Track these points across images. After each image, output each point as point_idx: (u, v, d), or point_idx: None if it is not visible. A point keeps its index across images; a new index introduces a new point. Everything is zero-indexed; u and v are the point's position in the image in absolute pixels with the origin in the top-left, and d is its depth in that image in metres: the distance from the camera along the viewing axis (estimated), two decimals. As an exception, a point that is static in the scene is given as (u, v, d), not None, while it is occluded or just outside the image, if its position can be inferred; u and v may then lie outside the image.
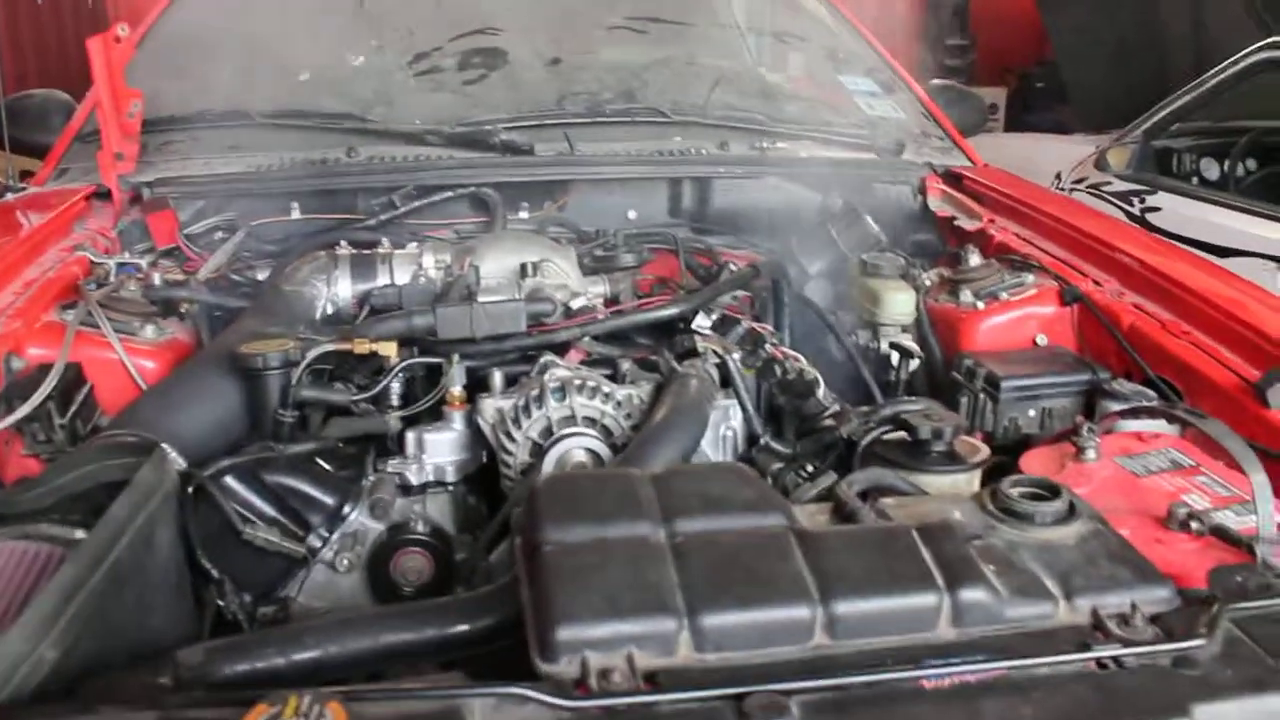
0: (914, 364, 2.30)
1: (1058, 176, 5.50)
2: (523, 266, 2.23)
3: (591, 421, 1.87)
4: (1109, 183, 5.19)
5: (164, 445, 1.60)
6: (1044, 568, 1.37)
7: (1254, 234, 4.30)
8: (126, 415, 1.85)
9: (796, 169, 2.85)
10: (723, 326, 2.25)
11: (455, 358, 1.96)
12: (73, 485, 1.52)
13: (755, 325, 2.26)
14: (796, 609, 1.26)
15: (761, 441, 1.93)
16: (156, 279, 2.27)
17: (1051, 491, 1.48)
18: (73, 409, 1.92)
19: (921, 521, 1.44)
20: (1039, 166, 5.26)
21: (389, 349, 1.95)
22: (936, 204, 2.88)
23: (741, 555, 1.33)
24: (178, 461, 1.74)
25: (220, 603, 1.70)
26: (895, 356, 2.33)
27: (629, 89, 3.03)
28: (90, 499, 1.51)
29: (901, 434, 1.82)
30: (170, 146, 2.79)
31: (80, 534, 1.47)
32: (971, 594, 1.30)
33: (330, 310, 2.24)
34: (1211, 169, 5.28)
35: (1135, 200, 4.98)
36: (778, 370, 2.05)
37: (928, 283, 2.53)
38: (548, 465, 1.82)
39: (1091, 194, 5.17)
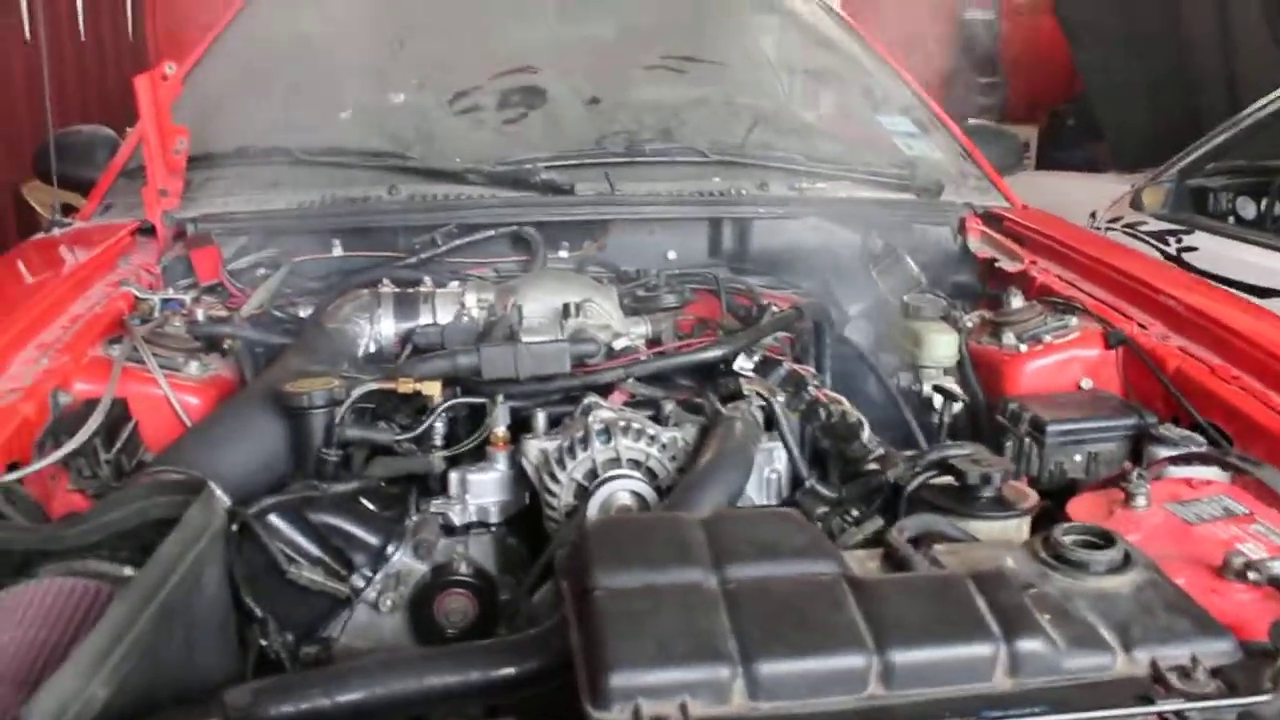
0: (957, 407, 2.28)
1: (1092, 215, 5.48)
2: (565, 307, 2.24)
3: (636, 464, 1.87)
4: (1144, 222, 5.17)
5: (211, 483, 1.60)
6: (1100, 618, 1.35)
7: (1294, 274, 4.28)
8: (171, 452, 1.86)
9: (836, 209, 2.84)
10: (764, 368, 2.24)
11: (499, 398, 1.96)
12: (120, 522, 1.52)
13: (797, 367, 2.26)
14: (852, 658, 1.25)
15: (806, 485, 1.92)
16: (200, 315, 2.29)
17: (1105, 539, 1.47)
18: (118, 445, 1.93)
19: (975, 569, 1.43)
20: (1073, 205, 5.24)
21: (433, 389, 1.95)
22: (976, 245, 2.87)
23: (795, 602, 1.32)
24: (223, 499, 1.75)
25: (263, 642, 1.70)
26: (938, 399, 2.31)
27: (667, 128, 3.05)
28: (138, 536, 1.52)
29: (948, 479, 1.81)
30: (213, 183, 2.81)
31: (129, 571, 1.48)
32: (1028, 644, 1.28)
33: (373, 349, 2.25)
34: (1248, 208, 5.24)
35: (1171, 240, 4.96)
36: (821, 413, 2.04)
37: (969, 325, 2.52)
38: (593, 508, 1.82)
39: (1127, 233, 5.15)
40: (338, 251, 2.60)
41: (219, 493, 1.73)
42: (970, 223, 2.92)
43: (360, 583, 1.80)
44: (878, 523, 1.83)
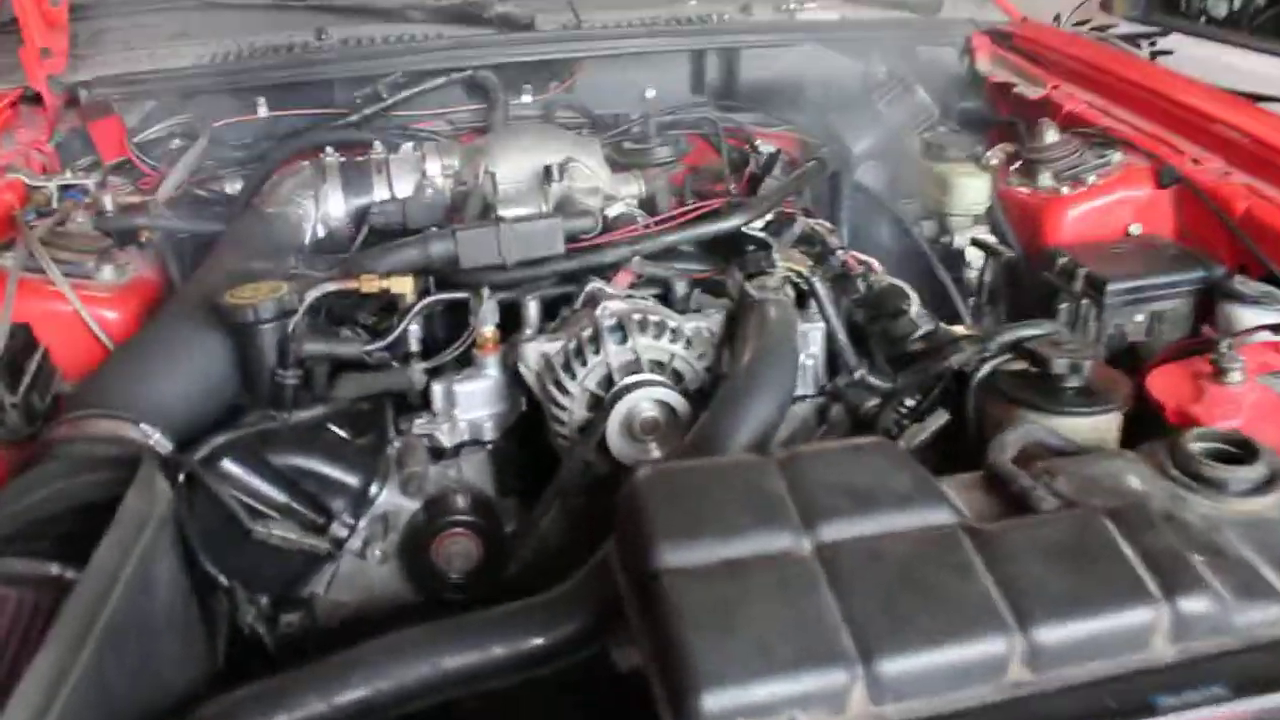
0: (995, 263, 1.98)
1: (1056, 19, 5.10)
2: (546, 169, 1.87)
3: (659, 365, 1.56)
4: (1114, 25, 4.80)
5: (149, 452, 1.26)
6: (1257, 553, 1.10)
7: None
8: (93, 386, 1.51)
9: (830, 34, 2.47)
10: (776, 227, 1.92)
11: (485, 291, 1.61)
12: (36, 508, 1.19)
13: (815, 224, 1.93)
14: (990, 641, 0.99)
15: (855, 375, 1.62)
16: (108, 203, 1.89)
17: (1243, 448, 1.21)
18: (25, 381, 1.57)
19: (1101, 498, 1.16)
20: (1039, 6, 4.85)
21: (404, 285, 1.60)
22: (987, 67, 2.52)
23: (911, 571, 1.04)
24: (162, 443, 1.42)
25: (236, 617, 1.40)
26: (974, 254, 2.02)
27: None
28: (59, 523, 1.19)
29: (1022, 364, 1.53)
30: (106, 36, 2.35)
31: (55, 569, 1.15)
32: (1193, 603, 1.03)
33: (321, 232, 1.87)
34: (1219, 6, 4.89)
35: (1144, 44, 4.61)
36: (859, 284, 1.73)
37: (993, 162, 2.21)
38: (613, 423, 1.51)
39: (1096, 38, 4.79)
40: (264, 112, 2.18)
41: (156, 436, 1.40)
42: (977, 41, 2.56)
43: (342, 532, 1.49)
44: (942, 417, 1.55)
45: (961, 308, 1.92)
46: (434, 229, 1.69)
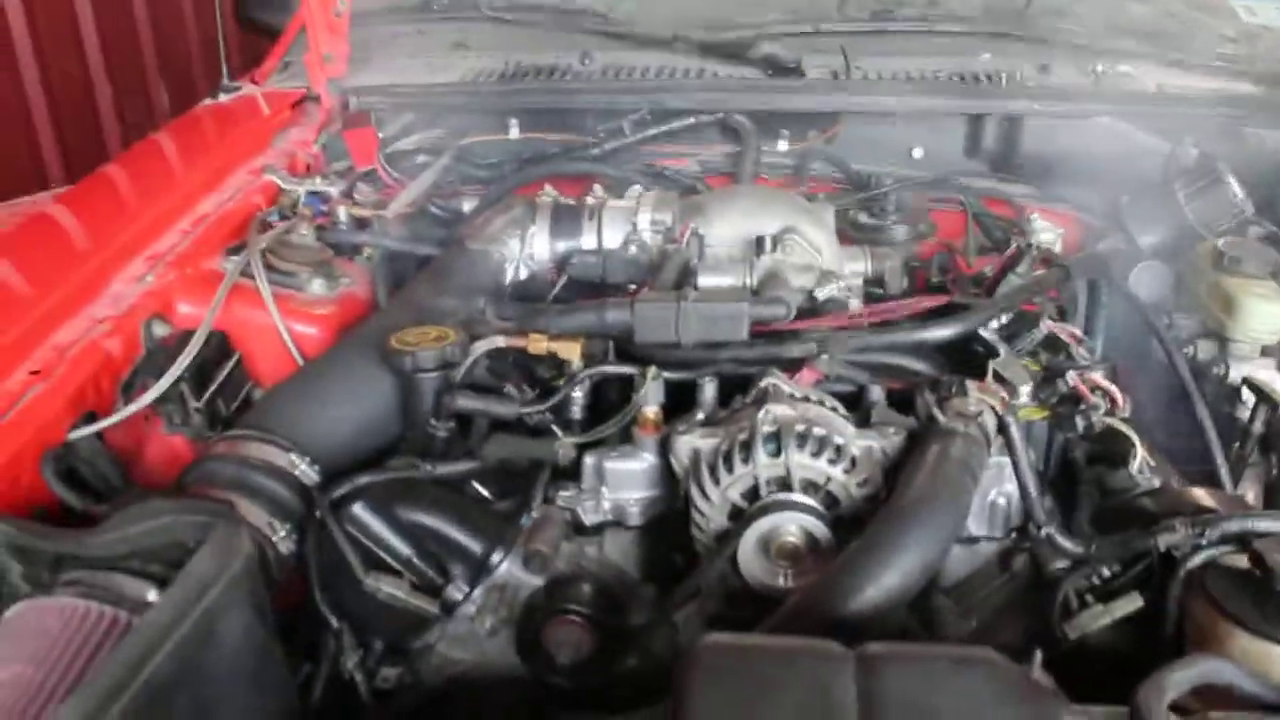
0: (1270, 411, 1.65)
1: None
2: (759, 241, 1.73)
3: (813, 486, 1.40)
4: None
5: (237, 512, 1.27)
6: None
7: None
8: (261, 408, 1.55)
9: (1139, 106, 2.15)
10: (1015, 326, 1.69)
11: (651, 369, 1.51)
12: (148, 536, 1.21)
13: (1059, 329, 1.68)
14: None
15: (1042, 533, 1.39)
16: (342, 214, 1.94)
17: None
18: (212, 388, 1.63)
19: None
20: None
21: (571, 350, 1.53)
22: (1337, 162, 2.11)
23: None
24: (308, 474, 1.43)
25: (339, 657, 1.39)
26: (1248, 395, 1.69)
27: (930, -12, 2.40)
28: (167, 554, 1.21)
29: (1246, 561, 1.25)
30: (395, 42, 2.42)
31: (152, 595, 1.17)
32: None
33: (524, 273, 1.83)
34: None
35: None
36: (1080, 422, 1.48)
37: (1308, 285, 1.85)
38: (748, 542, 1.37)
39: None
40: (515, 134, 2.17)
41: (303, 466, 1.42)
42: (1330, 126, 2.16)
43: (456, 596, 1.44)
44: (1134, 603, 1.30)
45: (1219, 460, 1.61)
46: (613, 298, 1.59)
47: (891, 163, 2.16)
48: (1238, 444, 1.68)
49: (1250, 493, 1.67)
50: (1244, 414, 1.74)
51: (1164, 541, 1.29)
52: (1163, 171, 2.07)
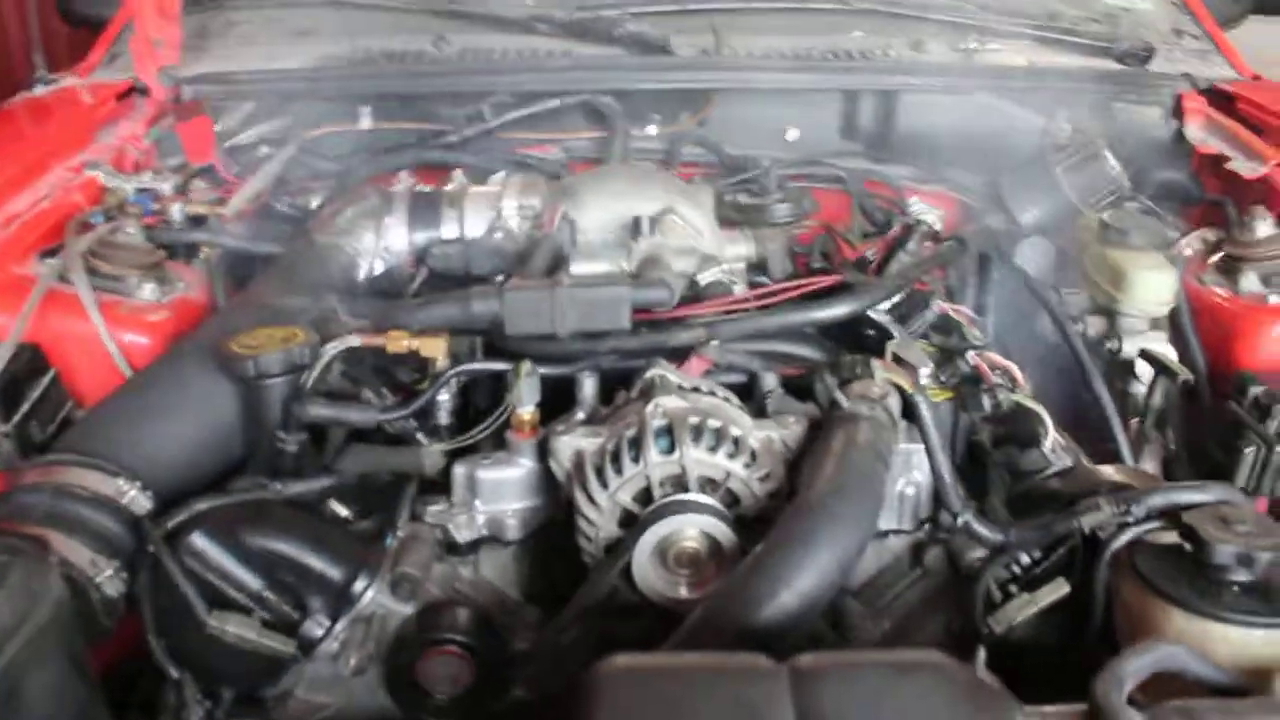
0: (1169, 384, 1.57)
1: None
2: (636, 221, 1.57)
3: (711, 484, 1.24)
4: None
5: (52, 551, 1.05)
6: None
7: None
8: (82, 429, 1.33)
9: (1012, 81, 2.07)
10: (906, 308, 1.57)
11: (525, 364, 1.33)
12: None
13: (951, 309, 1.57)
14: None
15: (959, 521, 1.26)
16: (175, 212, 1.71)
17: None
18: (24, 408, 1.39)
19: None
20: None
21: (435, 348, 1.34)
22: (1198, 134, 2.06)
23: None
24: (139, 501, 1.22)
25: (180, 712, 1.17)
26: (1144, 368, 1.61)
27: (799, -37, 2.27)
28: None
29: (1175, 537, 1.14)
30: (232, 30, 2.18)
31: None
32: None
33: (379, 268, 1.63)
34: None
35: None
36: (985, 399, 1.36)
37: (1187, 251, 1.78)
38: (643, 549, 1.20)
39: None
40: (367, 123, 1.96)
41: (132, 493, 1.20)
42: (1188, 102, 2.11)
43: (316, 631, 1.23)
44: (1059, 589, 1.19)
45: (1120, 437, 1.52)
46: (479, 286, 1.41)
47: (766, 145, 2.02)
48: (1137, 420, 1.60)
49: (1149, 468, 1.59)
50: (1137, 389, 1.66)
51: (1087, 522, 1.18)
52: (1039, 148, 1.99)
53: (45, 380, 1.43)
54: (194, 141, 1.88)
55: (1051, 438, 1.34)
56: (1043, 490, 1.31)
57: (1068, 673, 0.92)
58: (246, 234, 1.71)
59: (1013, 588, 1.23)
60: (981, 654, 0.93)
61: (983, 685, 0.87)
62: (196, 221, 1.71)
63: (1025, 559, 1.25)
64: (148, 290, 1.55)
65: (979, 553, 1.26)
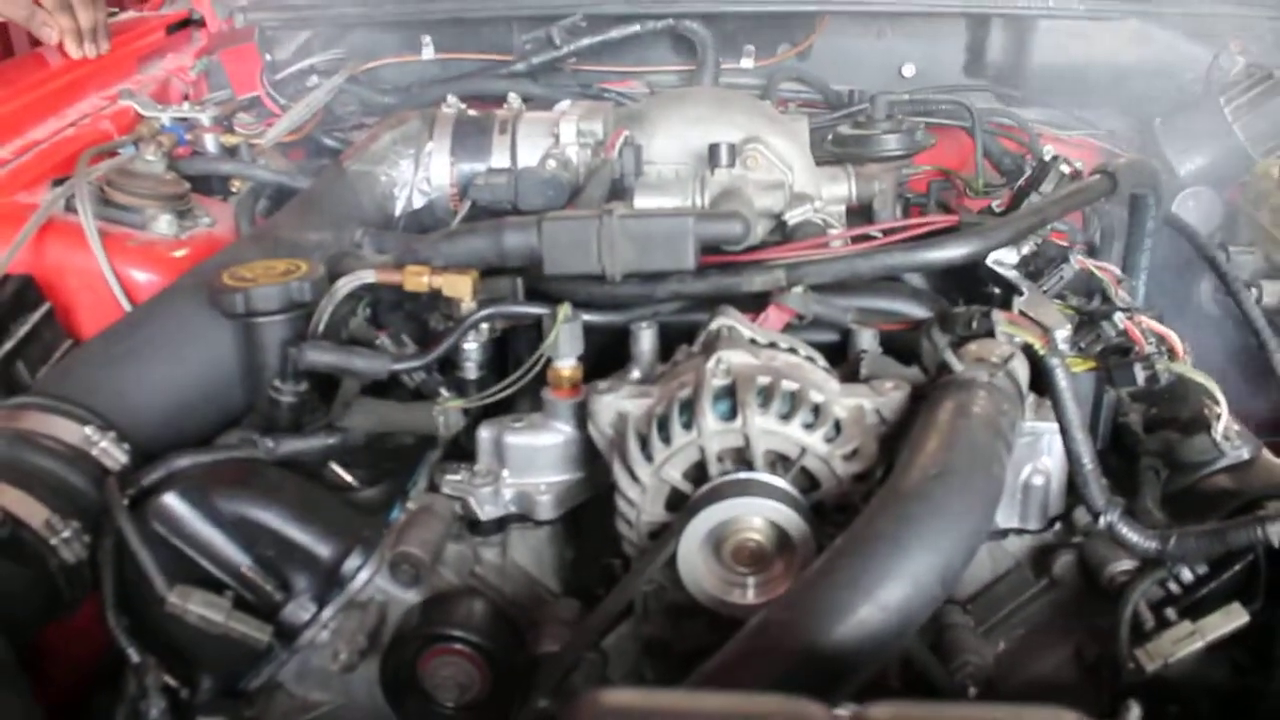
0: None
1: None
2: (713, 149, 1.30)
3: (783, 461, 0.97)
4: None
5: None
6: None
7: None
8: (57, 371, 1.16)
9: (1172, 5, 1.74)
10: (1038, 263, 1.27)
11: (564, 309, 1.08)
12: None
13: (1094, 266, 1.26)
14: None
15: (1101, 522, 0.96)
16: (209, 143, 1.52)
17: None
18: (9, 344, 1.21)
19: None
20: None
21: (460, 287, 1.10)
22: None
23: None
24: (111, 453, 1.04)
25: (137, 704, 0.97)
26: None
27: None
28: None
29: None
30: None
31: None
32: None
33: (419, 202, 1.40)
34: None
35: None
36: (1139, 372, 1.06)
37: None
38: (690, 540, 0.94)
39: None
40: (429, 54, 1.74)
41: (104, 443, 1.01)
42: (1391, 34, 1.75)
43: (300, 616, 1.02)
44: (1237, 618, 0.89)
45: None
46: (515, 218, 1.17)
47: (879, 82, 1.74)
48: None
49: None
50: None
51: (1273, 532, 0.88)
52: (1204, 84, 1.67)
53: (37, 315, 1.25)
54: (239, 71, 1.69)
55: (1225, 422, 1.03)
56: (1212, 488, 1.01)
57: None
58: (282, 167, 1.50)
59: (1170, 612, 0.94)
60: (1135, 712, 0.64)
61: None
62: (231, 153, 1.52)
63: (1187, 575, 0.97)
64: (164, 223, 1.36)
65: (1125, 564, 0.97)
